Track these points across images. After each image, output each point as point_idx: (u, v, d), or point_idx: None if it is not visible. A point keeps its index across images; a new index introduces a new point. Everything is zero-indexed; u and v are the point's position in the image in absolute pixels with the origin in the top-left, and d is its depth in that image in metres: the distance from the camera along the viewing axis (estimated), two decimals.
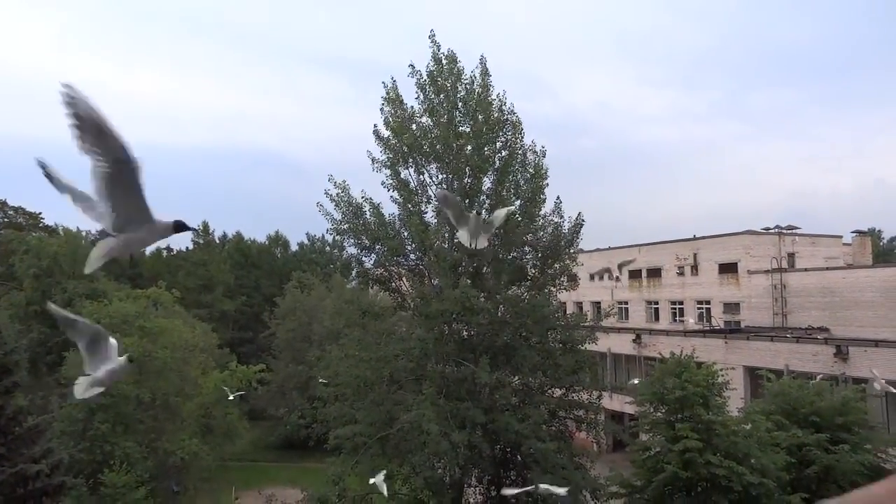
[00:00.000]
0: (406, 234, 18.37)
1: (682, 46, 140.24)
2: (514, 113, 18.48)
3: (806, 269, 35.41)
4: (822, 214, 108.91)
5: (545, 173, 18.42)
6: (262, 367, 32.34)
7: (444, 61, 18.30)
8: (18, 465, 18.84)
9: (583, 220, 18.47)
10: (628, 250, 45.09)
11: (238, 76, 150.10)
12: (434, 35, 18.20)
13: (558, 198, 18.53)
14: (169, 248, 65.47)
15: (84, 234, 46.87)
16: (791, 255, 37.90)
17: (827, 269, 35.06)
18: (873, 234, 58.49)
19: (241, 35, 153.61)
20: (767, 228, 38.81)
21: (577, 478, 15.91)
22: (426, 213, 18.54)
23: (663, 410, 15.46)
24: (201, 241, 61.81)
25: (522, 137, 18.56)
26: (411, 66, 18.23)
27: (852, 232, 41.29)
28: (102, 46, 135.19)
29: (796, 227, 38.98)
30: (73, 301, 31.23)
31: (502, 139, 18.39)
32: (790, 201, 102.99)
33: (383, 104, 18.57)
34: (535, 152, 18.60)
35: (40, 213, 51.57)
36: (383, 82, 18.57)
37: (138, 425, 24.60)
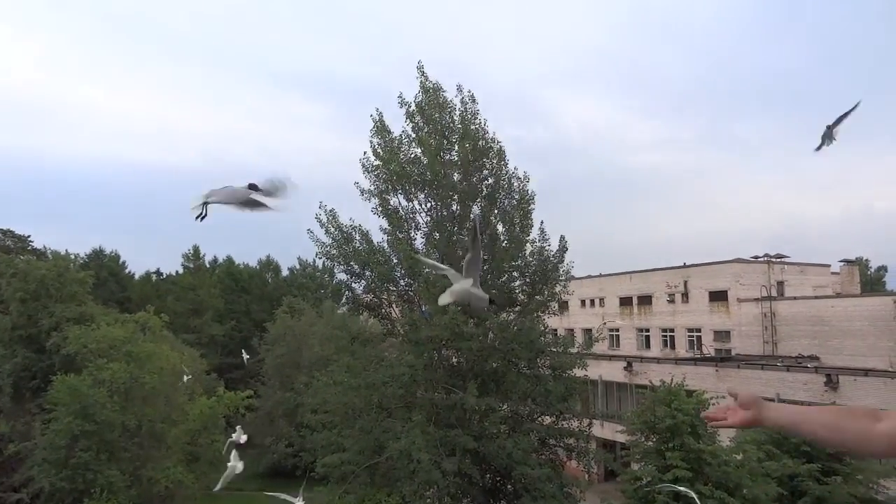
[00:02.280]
0: (395, 260, 18.41)
1: (669, 76, 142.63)
2: (498, 142, 18.75)
3: (795, 298, 35.62)
4: (810, 242, 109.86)
5: (531, 198, 18.59)
6: (249, 393, 31.92)
7: (430, 91, 18.57)
8: None
9: (566, 244, 18.58)
10: (619, 277, 45.32)
11: (228, 99, 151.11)
12: (423, 67, 18.53)
13: (542, 222, 18.68)
14: (158, 273, 65.21)
15: (72, 256, 46.59)
16: (780, 284, 38.16)
17: (816, 297, 35.30)
18: (861, 263, 59.00)
19: (231, 57, 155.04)
20: (756, 257, 39.13)
21: None
22: (415, 239, 18.62)
23: (654, 439, 15.36)
24: (191, 266, 61.52)
25: (507, 164, 18.80)
26: (399, 97, 18.53)
27: (840, 261, 41.72)
28: (94, 68, 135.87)
29: (785, 256, 39.34)
30: (60, 325, 30.83)
31: (488, 167, 18.59)
32: (779, 229, 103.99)
33: (372, 136, 18.77)
34: (519, 178, 18.81)
35: (29, 236, 51.30)
36: (371, 115, 18.81)
37: (123, 453, 24.11)
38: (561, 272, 18.87)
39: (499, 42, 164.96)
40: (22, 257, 40.53)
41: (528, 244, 18.71)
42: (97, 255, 58.34)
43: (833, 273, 41.51)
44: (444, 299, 3.74)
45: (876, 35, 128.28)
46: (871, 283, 64.70)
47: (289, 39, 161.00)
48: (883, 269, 71.50)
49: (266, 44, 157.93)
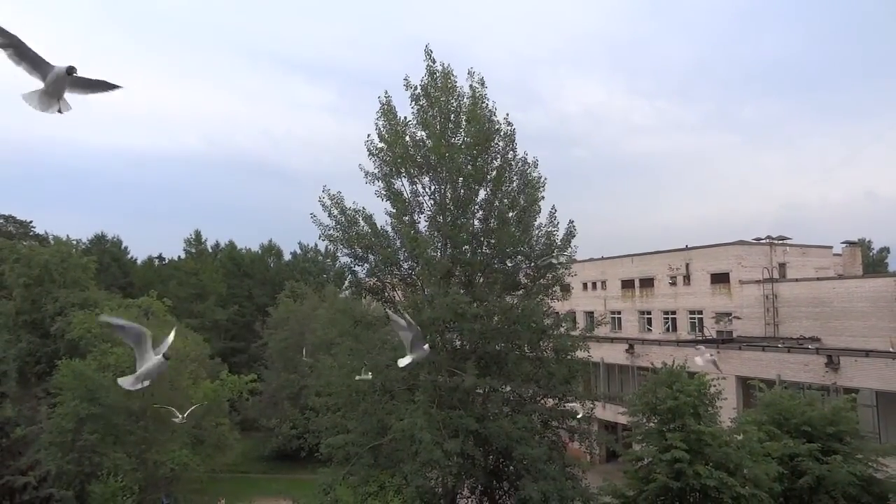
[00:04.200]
0: (399, 243, 18.39)
1: (672, 59, 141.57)
2: (511, 124, 18.56)
3: (797, 280, 35.63)
4: (812, 225, 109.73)
5: (542, 184, 18.48)
6: (253, 377, 32.15)
7: (438, 75, 18.41)
8: (5, 478, 18.63)
9: (574, 230, 18.50)
10: (621, 260, 45.31)
11: (230, 84, 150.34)
12: (431, 51, 18.37)
13: (553, 207, 18.60)
14: (160, 258, 65.29)
15: (74, 242, 46.64)
16: (782, 266, 38.16)
17: (818, 279, 35.29)
18: (863, 245, 58.90)
19: (232, 42, 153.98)
20: (759, 239, 39.08)
21: (567, 487, 15.88)
22: (419, 222, 18.59)
23: (655, 420, 15.45)
24: (193, 251, 61.60)
25: (516, 148, 18.66)
26: (406, 79, 18.39)
27: (842, 242, 41.64)
28: (94, 54, 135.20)
29: (787, 238, 39.28)
30: (65, 310, 30.97)
31: (496, 149, 18.46)
32: (781, 211, 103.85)
33: (378, 117, 18.64)
34: (528, 163, 18.70)
35: (31, 222, 51.38)
36: (379, 97, 18.67)
37: (128, 436, 24.36)
38: (565, 257, 18.82)
39: (499, 26, 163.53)
40: (24, 243, 40.60)
41: (534, 229, 18.63)
42: (99, 240, 58.42)
43: (835, 255, 41.45)
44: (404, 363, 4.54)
45: (880, 15, 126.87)
46: (874, 264, 64.65)
47: (289, 24, 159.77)
48: (885, 251, 71.47)
49: (267, 28, 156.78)
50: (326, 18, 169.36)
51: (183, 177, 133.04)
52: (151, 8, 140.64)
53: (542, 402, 18.38)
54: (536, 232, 18.68)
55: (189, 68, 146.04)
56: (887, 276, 34.60)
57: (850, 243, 41.58)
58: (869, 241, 68.76)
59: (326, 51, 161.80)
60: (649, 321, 42.31)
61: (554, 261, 18.63)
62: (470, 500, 18.58)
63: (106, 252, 55.50)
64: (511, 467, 17.45)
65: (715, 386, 15.81)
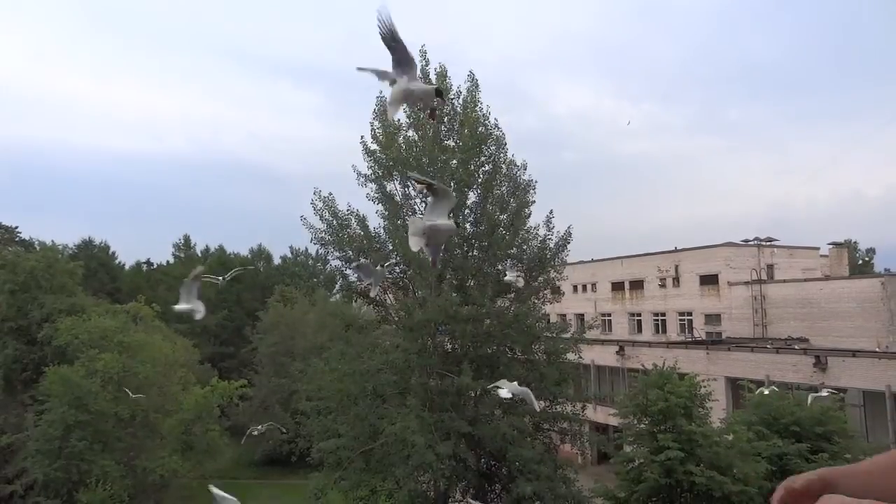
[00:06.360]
0: (391, 246, 18.40)
1: (659, 62, 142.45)
2: (499, 128, 18.65)
3: (784, 281, 35.93)
4: (800, 226, 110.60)
5: (530, 187, 18.57)
6: (243, 382, 31.94)
7: (433, 76, 18.46)
8: None
9: (571, 235, 18.65)
10: (611, 262, 45.51)
11: (217, 87, 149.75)
12: (426, 51, 18.41)
13: (551, 212, 18.73)
14: (149, 263, 64.81)
15: (60, 247, 46.20)
16: (770, 267, 38.46)
17: (805, 280, 35.61)
18: (849, 246, 59.45)
19: (220, 46, 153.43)
20: (747, 240, 39.37)
21: (560, 489, 15.92)
22: None
23: (646, 422, 15.53)
24: (182, 255, 61.21)
25: (506, 152, 18.74)
26: None
27: (829, 244, 42.05)
28: (80, 58, 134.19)
29: (775, 240, 39.59)
30: (51, 317, 30.63)
31: (486, 153, 18.53)
32: (769, 213, 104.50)
33: (373, 118, 18.66)
34: (517, 166, 18.79)
35: (16, 227, 50.85)
36: (377, 97, 18.69)
37: (117, 443, 24.12)
38: (558, 260, 18.95)
39: (488, 28, 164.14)
40: (10, 248, 40.12)
41: (523, 231, 18.72)
42: (86, 245, 57.91)
43: (822, 256, 41.85)
44: (414, 244, 3.56)
45: (864, 18, 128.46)
46: (860, 265, 65.23)
47: (277, 27, 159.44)
48: (871, 252, 72.16)
49: (255, 31, 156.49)
50: (313, 22, 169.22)
51: (171, 180, 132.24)
52: (137, 10, 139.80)
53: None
54: (527, 235, 18.77)
55: (177, 71, 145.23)
56: (873, 276, 34.99)
57: (836, 245, 42.00)
58: (855, 242, 69.43)
59: (314, 54, 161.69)
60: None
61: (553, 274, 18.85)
62: (462, 503, 18.57)
63: (93, 257, 55.02)
64: (504, 469, 17.47)
65: (705, 387, 15.93)
